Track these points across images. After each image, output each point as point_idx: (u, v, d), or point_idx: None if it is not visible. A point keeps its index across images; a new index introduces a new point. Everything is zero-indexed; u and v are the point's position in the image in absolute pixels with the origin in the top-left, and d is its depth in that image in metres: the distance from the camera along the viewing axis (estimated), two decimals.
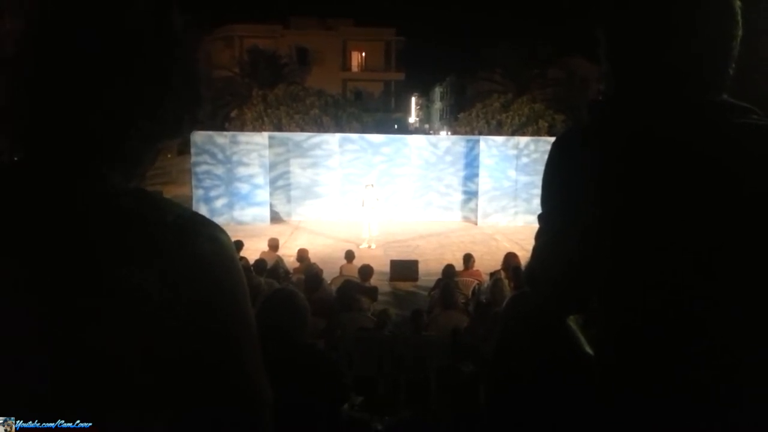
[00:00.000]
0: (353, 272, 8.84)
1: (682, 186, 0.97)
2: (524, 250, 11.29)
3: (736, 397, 0.97)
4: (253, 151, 16.23)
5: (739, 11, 1.01)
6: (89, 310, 0.76)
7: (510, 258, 8.66)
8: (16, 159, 0.86)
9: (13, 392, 0.77)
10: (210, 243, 0.84)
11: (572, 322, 1.23)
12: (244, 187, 16.25)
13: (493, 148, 16.96)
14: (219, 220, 13.41)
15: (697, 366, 0.99)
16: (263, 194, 16.36)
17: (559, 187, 1.10)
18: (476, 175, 17.15)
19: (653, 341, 1.02)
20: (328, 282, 8.10)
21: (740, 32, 1.02)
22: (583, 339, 1.20)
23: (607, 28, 1.10)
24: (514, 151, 16.97)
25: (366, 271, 8.38)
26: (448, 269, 8.56)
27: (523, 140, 17.64)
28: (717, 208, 0.95)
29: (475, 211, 17.33)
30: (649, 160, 0.99)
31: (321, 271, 8.54)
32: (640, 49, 1.05)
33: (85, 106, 0.81)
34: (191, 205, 15.46)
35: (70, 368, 0.77)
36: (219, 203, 16.21)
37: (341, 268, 9.53)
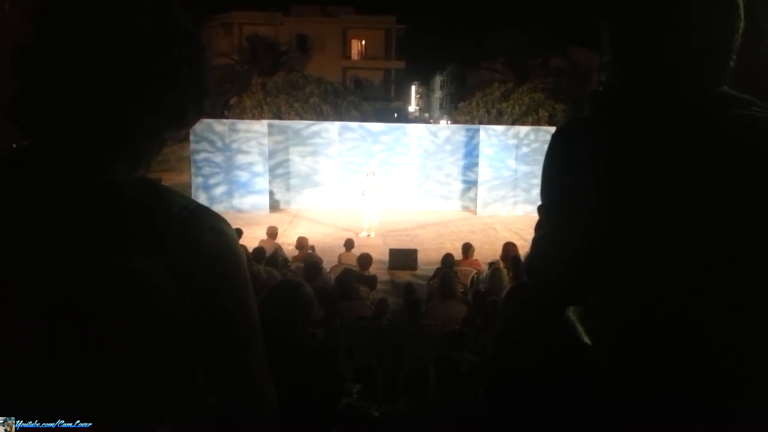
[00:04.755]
0: (352, 261, 8.84)
1: (682, 178, 0.97)
2: (523, 240, 11.30)
3: (735, 391, 0.98)
4: (252, 139, 16.20)
5: (741, 3, 1.01)
6: (93, 301, 0.77)
7: (509, 248, 8.67)
8: (15, 146, 0.86)
9: (15, 390, 0.77)
10: (214, 235, 0.85)
11: (571, 313, 1.23)
12: (243, 175, 16.23)
13: (493, 137, 16.93)
14: (218, 208, 13.24)
15: (696, 359, 0.99)
16: (262, 182, 16.34)
17: (560, 179, 1.10)
18: (476, 164, 17.13)
19: (652, 333, 1.02)
20: (327, 270, 8.11)
21: (742, 24, 1.01)
22: (581, 330, 1.21)
23: (609, 19, 1.09)
24: (514, 141, 16.95)
25: (365, 259, 8.39)
26: (447, 258, 8.58)
27: (523, 130, 17.61)
28: (718, 200, 0.95)
29: (474, 200, 17.33)
30: (649, 152, 0.99)
31: (320, 259, 8.54)
32: (642, 40, 1.04)
33: (90, 96, 0.80)
34: (190, 192, 15.45)
35: (72, 360, 0.77)
36: (218, 191, 16.20)
37: (340, 256, 9.54)
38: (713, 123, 0.99)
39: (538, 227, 1.15)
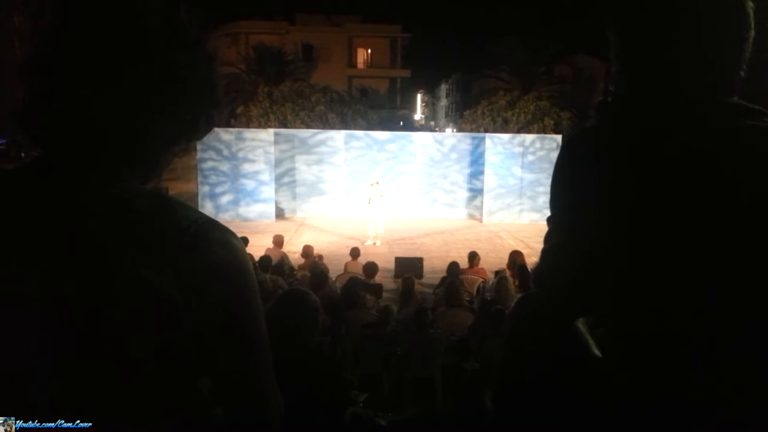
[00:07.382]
0: (358, 269, 8.84)
1: (691, 188, 0.97)
2: (529, 248, 11.28)
3: (745, 401, 0.97)
4: (258, 147, 16.24)
5: (751, 13, 1.00)
6: (100, 309, 0.77)
7: (515, 256, 8.65)
8: (24, 155, 0.86)
9: (22, 393, 0.78)
10: (223, 248, 0.85)
11: (580, 323, 1.22)
12: (249, 184, 16.26)
13: (498, 145, 16.92)
14: (224, 217, 13.17)
15: (705, 369, 0.99)
16: (268, 191, 16.37)
17: (569, 190, 1.10)
18: (481, 172, 17.12)
19: (662, 343, 1.01)
20: (333, 279, 8.11)
21: (752, 33, 1.01)
22: (591, 341, 1.20)
23: (618, 29, 1.09)
24: (520, 149, 16.92)
25: (371, 268, 8.38)
26: (453, 267, 8.56)
27: (528, 138, 17.55)
28: (727, 211, 0.95)
29: (480, 208, 17.31)
30: (658, 163, 0.99)
31: (327, 269, 8.55)
32: (651, 50, 1.04)
33: (101, 103, 0.81)
34: (197, 201, 15.50)
35: (78, 368, 0.77)
36: (224, 199, 16.23)
37: (346, 265, 9.54)
38: (723, 133, 0.99)
39: (548, 238, 1.15)
